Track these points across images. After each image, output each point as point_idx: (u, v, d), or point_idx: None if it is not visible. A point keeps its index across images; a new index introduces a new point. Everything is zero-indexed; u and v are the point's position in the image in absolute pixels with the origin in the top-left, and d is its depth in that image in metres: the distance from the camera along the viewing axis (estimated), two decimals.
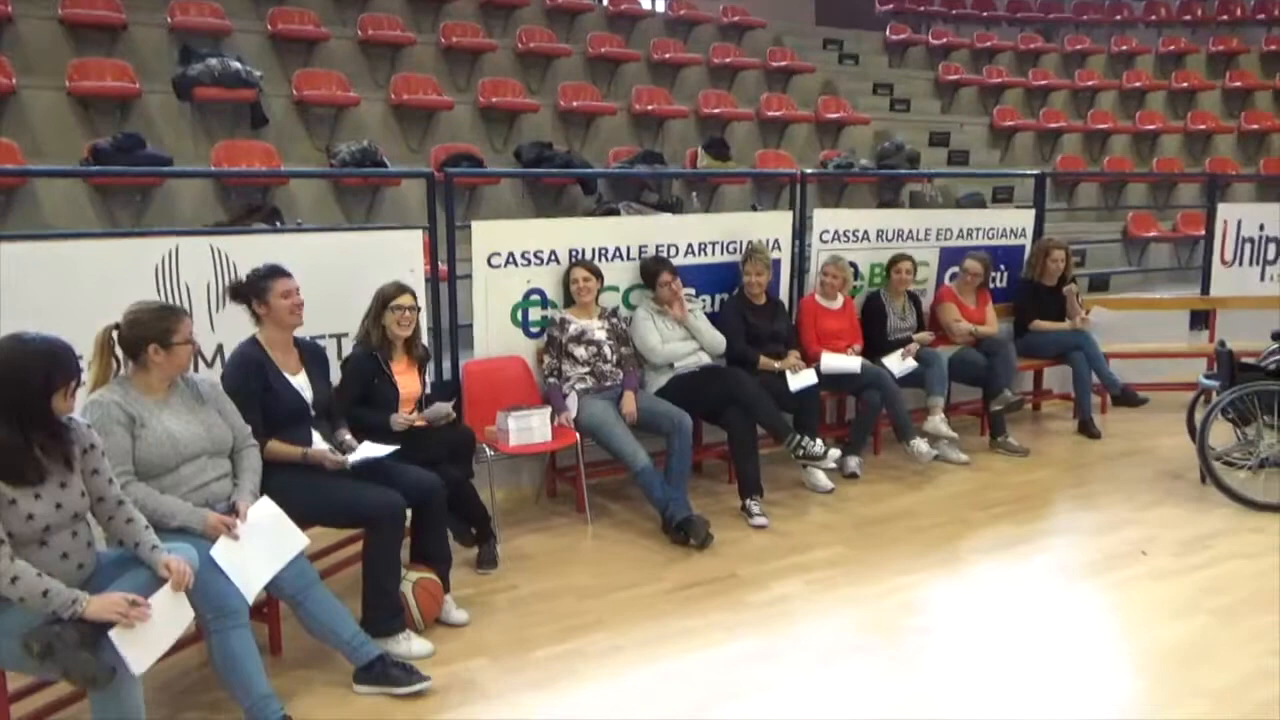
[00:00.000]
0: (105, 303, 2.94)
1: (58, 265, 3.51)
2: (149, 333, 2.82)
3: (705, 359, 4.87)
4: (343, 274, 3.97)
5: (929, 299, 6.04)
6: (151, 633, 2.42)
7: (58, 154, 6.09)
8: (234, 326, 3.67)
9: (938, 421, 5.32)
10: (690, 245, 5.19)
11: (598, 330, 4.64)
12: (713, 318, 5.12)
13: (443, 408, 3.87)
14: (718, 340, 4.91)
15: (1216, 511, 4.54)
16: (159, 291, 3.71)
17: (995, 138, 10.73)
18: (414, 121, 7.60)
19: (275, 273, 3.34)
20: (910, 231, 6.01)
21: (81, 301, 3.35)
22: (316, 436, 3.39)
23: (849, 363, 5.19)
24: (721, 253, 5.29)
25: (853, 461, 5.18)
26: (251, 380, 3.24)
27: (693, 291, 5.09)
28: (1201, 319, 7.21)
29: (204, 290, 3.84)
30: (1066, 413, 6.29)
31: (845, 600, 3.67)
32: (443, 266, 4.71)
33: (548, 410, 4.39)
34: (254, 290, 3.31)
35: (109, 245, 3.92)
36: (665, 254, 5.03)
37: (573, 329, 4.62)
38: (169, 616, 2.49)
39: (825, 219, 5.74)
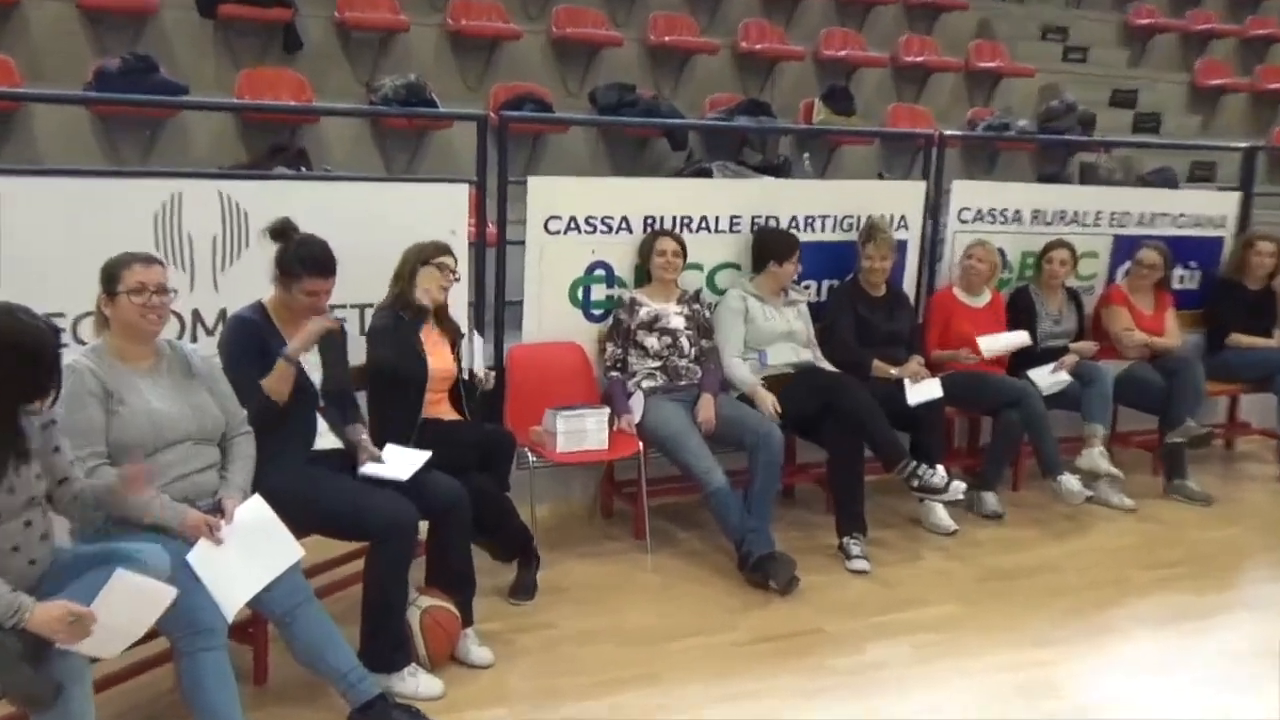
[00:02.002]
0: (99, 253, 3.00)
1: (46, 205, 3.60)
2: (101, 283, 2.91)
3: (804, 355, 4.80)
4: (371, 232, 3.98)
5: (1094, 299, 5.85)
6: (107, 633, 2.45)
7: (60, 76, 6.28)
8: (242, 287, 3.74)
9: (1096, 455, 5.16)
10: (797, 218, 5.12)
11: (675, 316, 4.61)
12: (818, 309, 5.05)
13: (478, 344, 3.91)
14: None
15: None
16: (156, 243, 3.78)
17: (1197, 100, 10.29)
18: (473, 54, 7.64)
19: (316, 268, 3.32)
20: (1076, 214, 5.83)
21: (72, 251, 3.44)
22: (322, 426, 3.42)
23: (1013, 338, 5.08)
24: (835, 229, 5.22)
25: (990, 499, 5.06)
26: (251, 351, 3.29)
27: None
28: None
29: (209, 244, 3.90)
30: (1268, 453, 6.08)
31: (958, 672, 3.57)
32: (491, 229, 4.72)
33: (606, 411, 4.36)
34: (284, 261, 3.35)
35: (104, 185, 4.02)
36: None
37: (644, 313, 4.59)
38: (131, 610, 2.51)
39: (967, 193, 5.61)
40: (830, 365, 4.88)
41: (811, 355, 4.85)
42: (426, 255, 3.86)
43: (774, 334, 4.75)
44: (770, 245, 4.83)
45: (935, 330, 5.26)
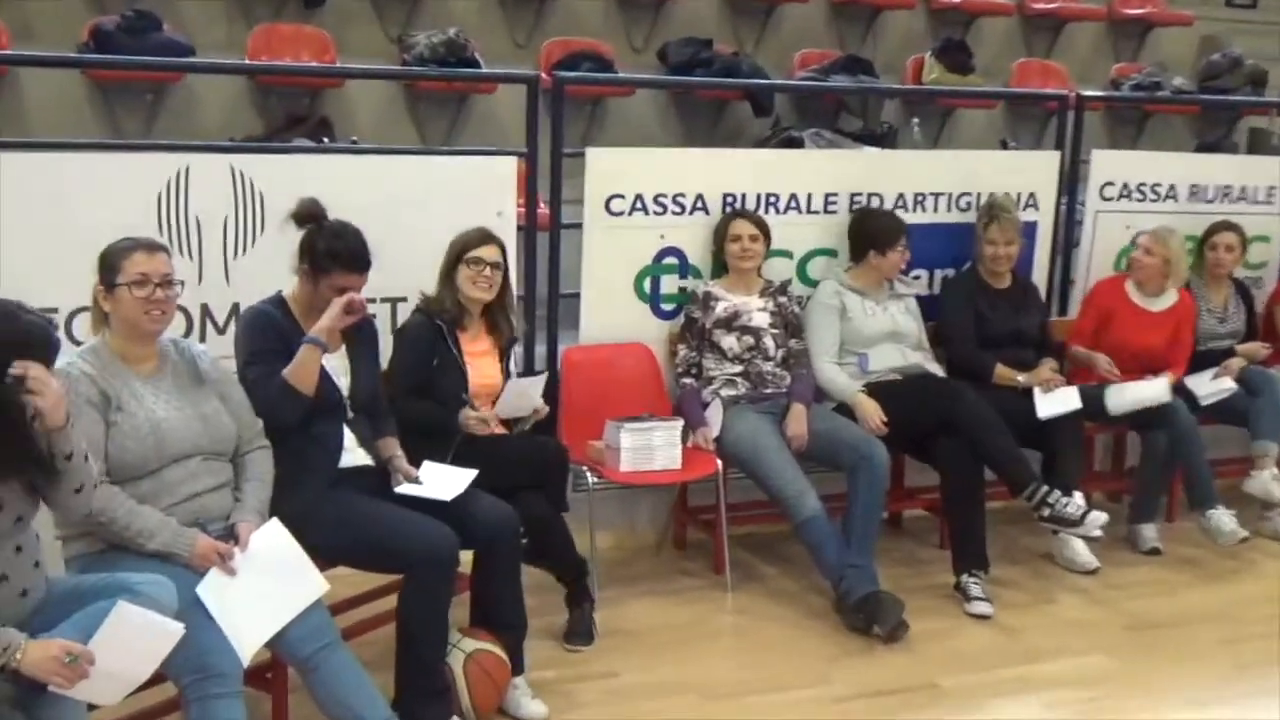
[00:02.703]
0: (95, 239, 3.07)
1: (35, 183, 3.71)
2: (99, 273, 2.99)
3: (913, 359, 4.78)
4: (402, 214, 4.07)
5: (1266, 293, 5.79)
6: (107, 676, 2.50)
7: (52, 36, 6.42)
8: (257, 278, 3.80)
9: (1267, 479, 5.08)
10: (904, 196, 5.13)
11: (758, 312, 4.63)
12: (929, 304, 5.03)
13: (527, 391, 3.92)
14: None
15: None
16: (160, 225, 3.88)
17: None
18: (522, 5, 7.67)
19: (351, 263, 3.39)
20: (1243, 190, 5.79)
21: (65, 236, 3.55)
22: (350, 440, 3.47)
23: (1153, 390, 4.92)
24: (950, 209, 5.23)
25: (1148, 532, 5.02)
26: (270, 349, 3.34)
27: None
28: None
29: (219, 226, 3.99)
30: None
31: None
32: (543, 209, 4.76)
33: (678, 424, 4.38)
34: (312, 253, 3.40)
35: (101, 160, 4.10)
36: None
37: (721, 309, 4.60)
38: (134, 649, 2.57)
39: (1110, 165, 5.57)
40: (944, 371, 4.87)
41: (922, 359, 4.83)
42: (463, 247, 3.89)
43: (877, 334, 4.74)
44: (870, 232, 4.80)
45: (1088, 323, 5.22)
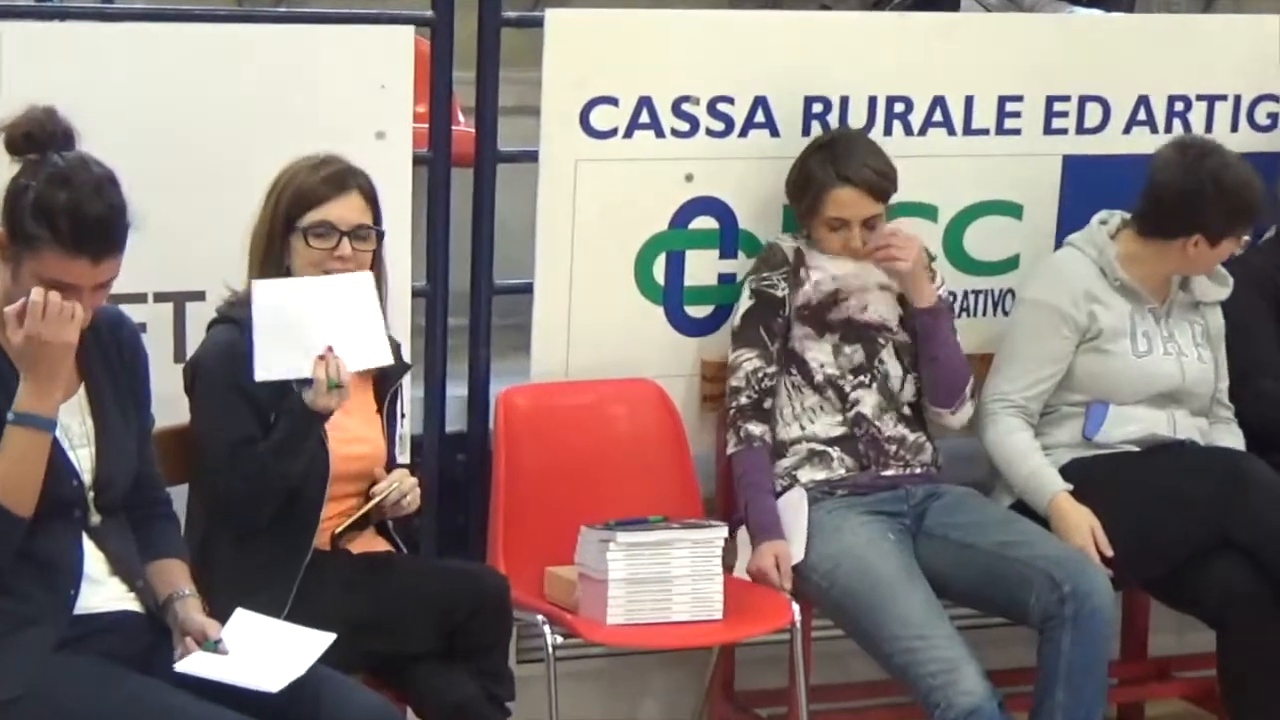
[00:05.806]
0: None
1: None
2: None
3: (1186, 428, 4.87)
4: (202, 137, 4.18)
5: None
6: None
7: None
8: None
9: None
10: (1146, 102, 5.26)
11: (879, 293, 4.73)
12: None
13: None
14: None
15: None
16: None
17: None
18: None
19: (76, 232, 3.20)
20: None
21: None
22: (96, 565, 3.37)
23: None
24: (1236, 125, 5.39)
25: None
26: None
27: None
28: None
29: None
30: None
31: None
32: (462, 128, 4.87)
33: (719, 534, 4.36)
34: (17, 204, 3.26)
35: None
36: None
37: (817, 280, 4.67)
38: None
39: None
40: (1232, 435, 5.00)
41: (1200, 427, 4.93)
42: (300, 200, 3.86)
43: (1146, 389, 4.80)
44: (1202, 200, 4.68)
45: None
